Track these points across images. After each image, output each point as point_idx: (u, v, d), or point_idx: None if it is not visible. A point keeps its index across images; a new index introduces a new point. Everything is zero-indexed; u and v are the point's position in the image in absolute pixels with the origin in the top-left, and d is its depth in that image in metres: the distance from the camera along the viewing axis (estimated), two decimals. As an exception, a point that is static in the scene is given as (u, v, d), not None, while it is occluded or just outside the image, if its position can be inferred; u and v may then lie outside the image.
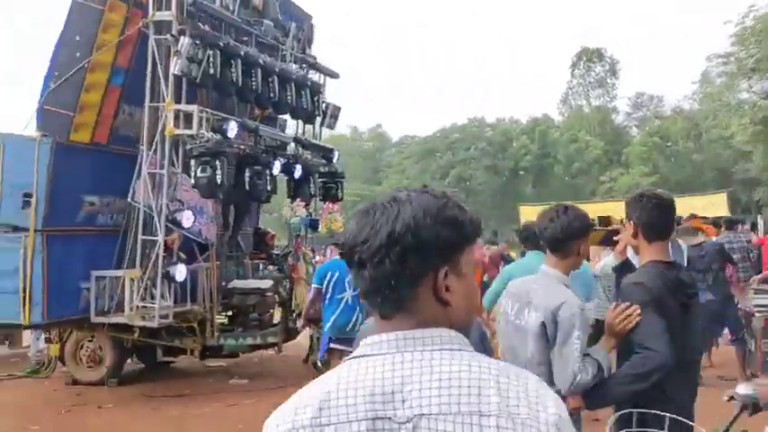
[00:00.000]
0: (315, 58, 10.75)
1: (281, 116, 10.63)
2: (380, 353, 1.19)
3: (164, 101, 7.86)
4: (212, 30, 8.31)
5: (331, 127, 11.21)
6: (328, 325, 7.25)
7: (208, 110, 8.14)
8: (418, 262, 1.19)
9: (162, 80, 7.88)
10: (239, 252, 10.25)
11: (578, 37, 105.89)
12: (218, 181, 7.63)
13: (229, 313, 9.78)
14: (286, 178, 10.09)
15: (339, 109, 11.09)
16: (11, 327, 8.85)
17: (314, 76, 10.68)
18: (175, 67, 7.62)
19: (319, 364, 7.82)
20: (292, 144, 10.09)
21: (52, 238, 7.68)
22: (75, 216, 7.96)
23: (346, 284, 7.20)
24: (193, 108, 7.85)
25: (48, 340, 9.40)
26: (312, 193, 10.16)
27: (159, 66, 7.89)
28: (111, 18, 7.74)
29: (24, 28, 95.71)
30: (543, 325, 2.72)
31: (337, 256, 7.66)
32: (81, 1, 7.60)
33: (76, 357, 8.88)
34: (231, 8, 8.72)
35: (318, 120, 10.70)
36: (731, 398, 2.33)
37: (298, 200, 9.96)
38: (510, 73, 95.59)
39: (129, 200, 8.11)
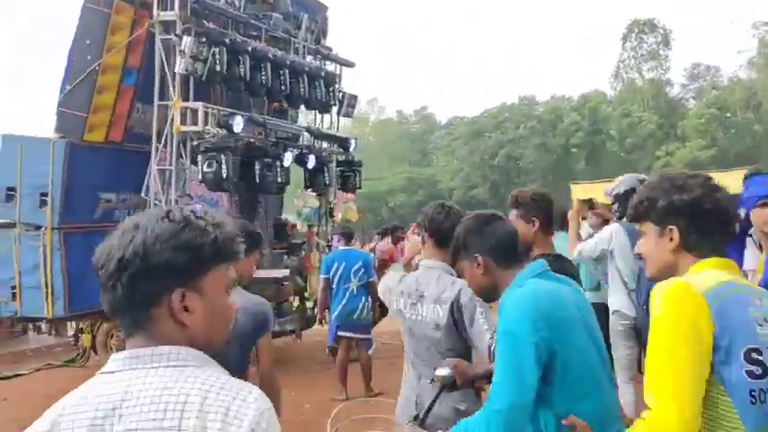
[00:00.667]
0: (330, 49, 10.80)
1: (292, 108, 10.72)
2: (116, 370, 1.29)
3: (173, 99, 8.09)
4: (220, 26, 8.46)
5: (348, 116, 11.29)
6: (335, 313, 7.51)
7: (214, 106, 8.31)
8: (148, 285, 1.27)
9: (170, 79, 8.10)
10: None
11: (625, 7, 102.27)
12: (224, 175, 7.80)
13: (247, 303, 10.00)
14: (302, 169, 10.22)
15: (356, 98, 11.15)
16: (37, 319, 9.29)
17: (329, 66, 10.74)
18: (180, 65, 7.82)
19: (327, 350, 8.01)
20: (307, 135, 10.20)
21: (70, 235, 8.00)
22: (92, 213, 8.29)
23: (352, 274, 7.42)
24: (199, 105, 8.05)
25: (80, 331, 9.86)
26: (327, 182, 10.27)
27: (167, 65, 8.11)
28: (118, 20, 7.97)
29: (24, 28, 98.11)
30: (451, 315, 2.82)
31: (343, 247, 7.80)
32: (89, 5, 7.85)
33: (107, 347, 9.26)
34: (238, 4, 8.84)
35: (335, 109, 10.79)
36: (432, 380, 2.49)
37: (308, 190, 10.09)
38: (559, 51, 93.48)
39: (142, 195, 8.40)
